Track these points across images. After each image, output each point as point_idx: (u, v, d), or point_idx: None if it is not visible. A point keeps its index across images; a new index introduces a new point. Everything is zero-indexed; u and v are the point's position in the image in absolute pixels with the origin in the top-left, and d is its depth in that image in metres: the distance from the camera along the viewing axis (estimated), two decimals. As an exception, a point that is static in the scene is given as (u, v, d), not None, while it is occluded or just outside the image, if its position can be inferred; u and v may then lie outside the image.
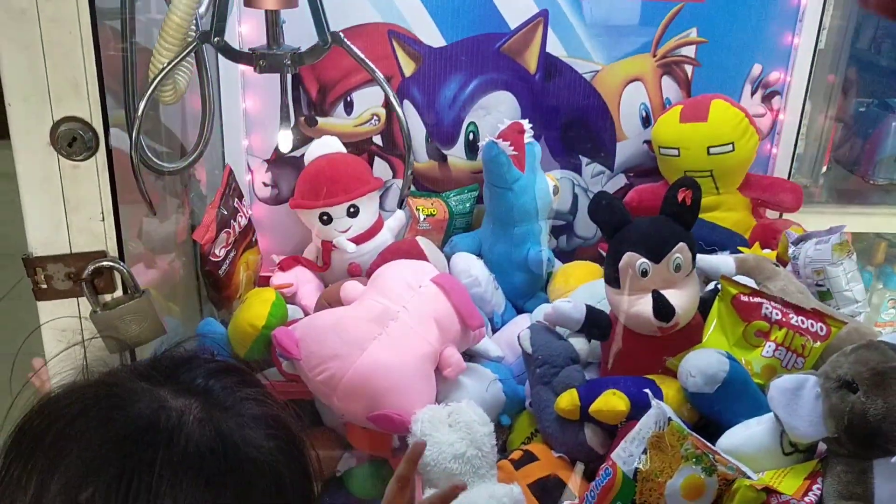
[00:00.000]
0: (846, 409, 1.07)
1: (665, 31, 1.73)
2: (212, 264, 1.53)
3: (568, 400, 1.30)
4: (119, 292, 0.99)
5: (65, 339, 0.98)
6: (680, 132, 1.67)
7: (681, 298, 1.30)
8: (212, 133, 1.50)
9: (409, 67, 1.74)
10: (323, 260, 1.75)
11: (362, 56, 1.31)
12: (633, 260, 1.30)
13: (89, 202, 0.96)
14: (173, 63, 1.18)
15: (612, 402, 1.23)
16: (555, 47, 1.73)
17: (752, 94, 1.78)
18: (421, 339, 1.34)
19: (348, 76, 1.74)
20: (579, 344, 1.41)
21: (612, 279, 1.35)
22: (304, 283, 1.72)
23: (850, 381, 1.08)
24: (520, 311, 1.74)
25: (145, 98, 1.17)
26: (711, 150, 1.65)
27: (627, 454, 1.12)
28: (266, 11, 1.21)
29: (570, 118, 1.79)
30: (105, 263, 0.95)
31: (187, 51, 1.18)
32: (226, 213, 1.56)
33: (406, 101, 1.76)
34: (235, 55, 1.20)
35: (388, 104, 1.76)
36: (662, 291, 1.30)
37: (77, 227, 0.96)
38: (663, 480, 1.08)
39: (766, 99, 1.78)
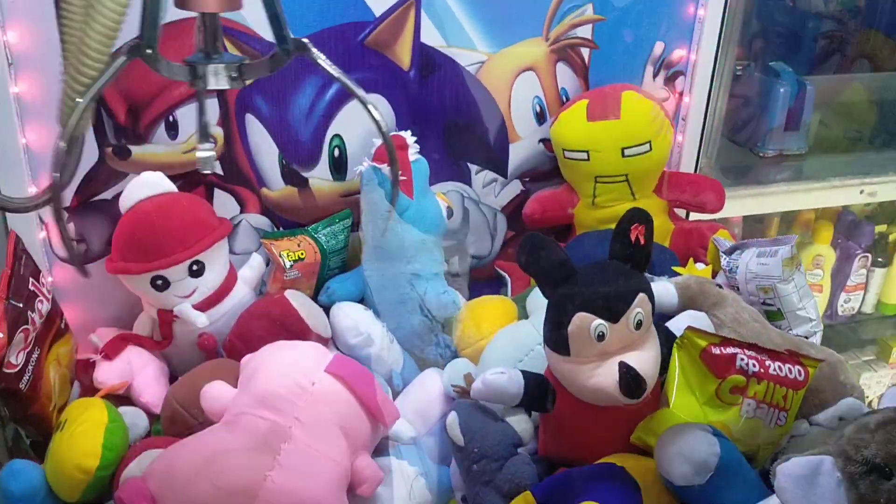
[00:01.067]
0: (881, 499, 0.87)
1: (557, 9, 1.44)
2: (9, 379, 1.10)
3: (523, 507, 1.03)
4: None
5: None
6: (589, 133, 1.41)
7: (646, 363, 1.05)
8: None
9: (248, 74, 1.34)
10: (162, 334, 1.34)
11: (337, 72, 0.89)
12: (586, 322, 1.03)
13: None
14: (103, 84, 0.75)
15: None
16: (431, 36, 1.40)
17: (655, 76, 1.54)
18: (326, 461, 1.00)
19: (167, 89, 1.31)
20: (521, 426, 1.14)
21: (559, 345, 1.07)
22: (139, 369, 1.31)
23: (881, 466, 0.88)
24: (418, 359, 1.43)
25: (69, 129, 0.75)
26: (626, 152, 1.41)
27: None
28: (202, 15, 0.79)
29: (455, 120, 1.48)
30: None
31: (115, 68, 0.75)
32: (18, 304, 1.12)
33: (248, 116, 1.37)
34: (171, 70, 0.78)
35: (224, 121, 1.36)
36: (624, 357, 1.04)
37: None
38: None
39: (669, 81, 1.56)
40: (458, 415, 1.12)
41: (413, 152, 1.34)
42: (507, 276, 1.60)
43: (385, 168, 1.29)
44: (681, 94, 1.57)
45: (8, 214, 1.27)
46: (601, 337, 1.03)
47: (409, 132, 1.35)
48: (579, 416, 1.12)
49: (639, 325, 1.05)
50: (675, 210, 1.55)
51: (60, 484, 1.04)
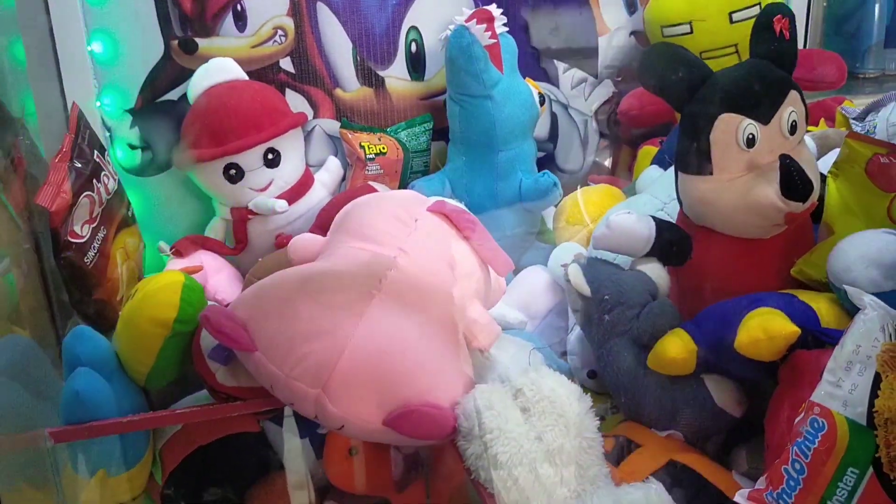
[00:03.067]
0: None
1: None
2: (73, 248, 0.98)
3: (678, 345, 0.86)
4: None
5: None
6: (690, 0, 1.29)
7: (807, 167, 0.89)
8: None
9: (320, -45, 1.26)
10: (236, 237, 1.22)
11: None
12: (732, 125, 0.88)
13: None
14: None
15: (775, 324, 0.78)
16: (511, -86, 1.31)
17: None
18: (439, 288, 0.85)
19: (235, -26, 1.23)
20: (655, 272, 0.96)
21: (698, 163, 0.92)
22: (213, 272, 1.19)
23: None
24: (514, 271, 1.28)
25: None
26: (734, 17, 1.28)
27: (847, 389, 0.68)
28: None
29: (538, 10, 1.36)
30: None
31: None
32: (82, 167, 1.01)
33: (320, 5, 1.28)
34: None
35: (294, 10, 1.27)
36: (779, 165, 0.88)
37: None
38: (923, 417, 0.65)
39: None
40: (581, 265, 0.97)
41: (500, 24, 1.22)
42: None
43: (475, 26, 1.17)
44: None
45: (67, 91, 1.17)
46: (751, 141, 0.88)
47: (493, 5, 1.24)
48: (724, 258, 0.95)
49: (793, 128, 0.90)
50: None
51: (132, 345, 0.90)
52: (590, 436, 0.76)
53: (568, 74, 1.42)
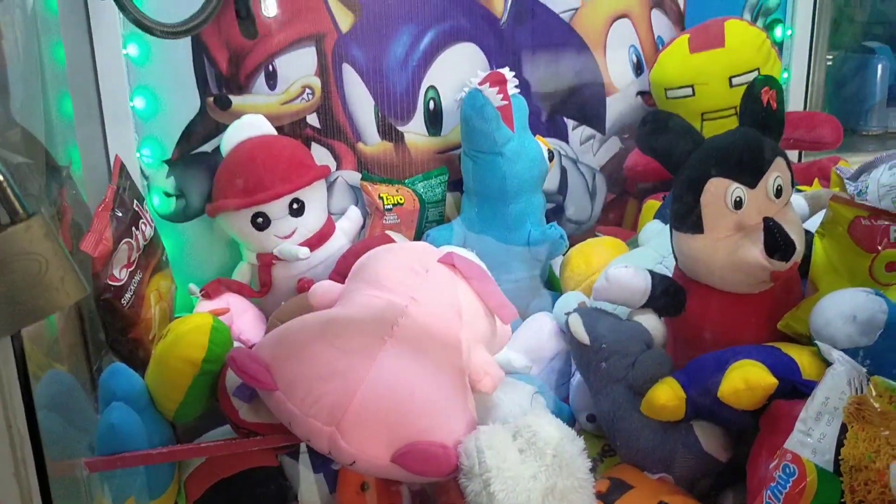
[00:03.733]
0: None
1: (650, -48, 1.44)
2: (111, 291, 1.06)
3: (667, 393, 0.92)
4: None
5: None
6: (692, 65, 1.37)
7: (790, 229, 0.96)
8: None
9: (345, 21, 1.35)
10: (261, 281, 1.30)
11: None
12: (721, 188, 0.95)
13: None
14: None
15: (755, 375, 0.85)
16: (524, -18, 1.41)
17: (753, 23, 1.51)
18: (448, 334, 0.92)
19: (267, 37, 1.33)
20: (650, 323, 1.03)
21: (690, 223, 0.99)
22: (238, 313, 1.27)
23: None
24: (522, 315, 1.35)
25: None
26: (734, 81, 1.35)
27: (816, 438, 0.74)
28: None
29: (549, 70, 1.45)
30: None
31: None
32: (122, 216, 1.11)
33: (345, 66, 1.37)
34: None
35: (321, 71, 1.37)
36: (765, 226, 0.95)
37: None
38: (884, 464, 0.70)
39: (768, 29, 1.52)
40: (580, 315, 1.03)
41: (512, 86, 1.31)
42: (608, 241, 1.52)
43: (488, 90, 1.26)
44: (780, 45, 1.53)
45: (111, 150, 1.27)
46: (738, 203, 0.95)
47: (507, 68, 1.33)
48: (716, 311, 1.02)
49: (779, 192, 0.96)
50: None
51: (164, 382, 0.98)
52: (581, 476, 0.82)
53: (577, 131, 1.50)
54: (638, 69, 1.49)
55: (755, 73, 1.35)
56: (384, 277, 0.97)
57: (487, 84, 1.27)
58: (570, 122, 1.49)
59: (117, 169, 1.16)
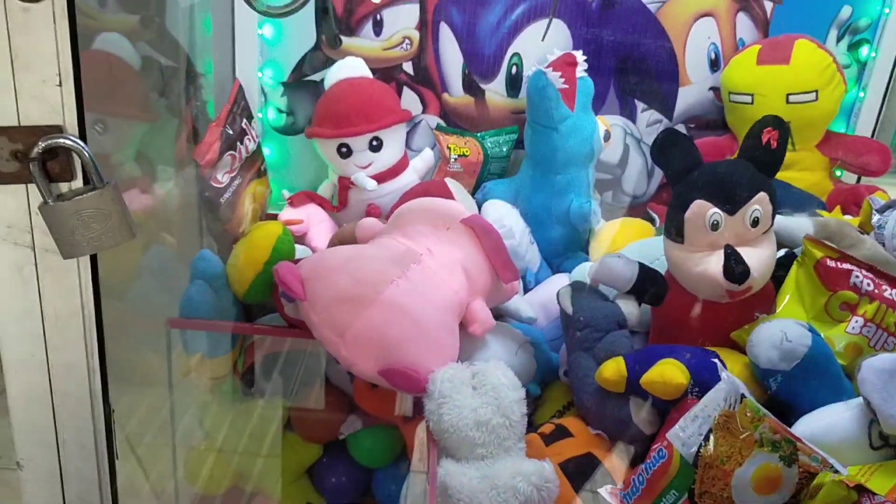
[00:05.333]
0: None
1: (745, -43, 1.51)
2: (213, 191, 1.35)
3: (613, 369, 1.11)
4: (79, 182, 0.79)
5: (10, 237, 0.79)
6: (756, 75, 1.46)
7: (757, 259, 1.10)
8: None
9: (448, -15, 1.53)
10: (339, 199, 1.56)
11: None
12: (703, 210, 1.10)
13: (43, 59, 0.76)
14: None
15: (669, 372, 1.03)
16: (617, -30, 1.52)
17: (839, 40, 1.55)
18: (446, 287, 1.14)
19: (379, -10, 1.53)
20: (627, 308, 1.21)
21: (675, 232, 1.14)
22: (316, 222, 1.53)
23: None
24: (555, 270, 1.54)
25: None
26: (791, 98, 1.44)
27: (687, 435, 0.93)
28: None
29: (629, 55, 1.57)
30: (61, 141, 0.76)
31: None
32: (231, 133, 1.37)
33: (442, 24, 1.56)
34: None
35: (421, 26, 1.56)
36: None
37: (27, 92, 0.76)
38: (731, 468, 0.89)
39: (853, 47, 1.56)
40: (573, 288, 1.22)
41: (581, 70, 1.45)
42: (657, 218, 1.66)
43: (551, 73, 1.42)
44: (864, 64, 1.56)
45: (237, 65, 1.54)
46: (715, 226, 1.10)
47: (580, 52, 1.47)
48: (688, 311, 1.18)
49: (755, 222, 1.10)
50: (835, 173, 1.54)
51: (235, 274, 1.27)
52: (514, 419, 1.04)
53: (646, 114, 1.63)
54: (714, 66, 1.58)
55: (813, 95, 1.42)
56: (411, 227, 1.20)
57: (551, 68, 1.42)
58: (640, 105, 1.62)
59: (235, 91, 1.42)
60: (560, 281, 1.45)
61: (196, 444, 1.36)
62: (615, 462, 1.13)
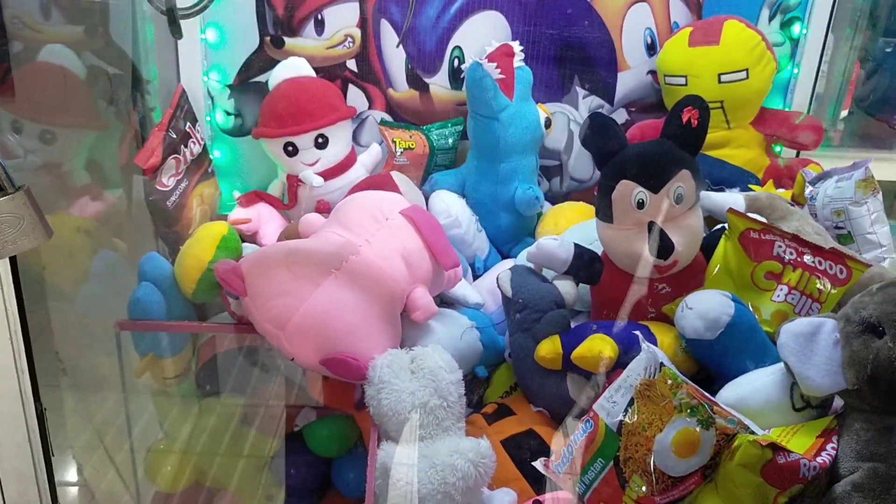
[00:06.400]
0: (870, 356, 0.91)
1: (673, -57, 1.54)
2: (159, 194, 1.37)
3: (549, 347, 1.14)
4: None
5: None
6: (688, 57, 1.49)
7: (682, 234, 1.13)
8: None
9: (386, -18, 1.56)
10: (289, 197, 1.58)
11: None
12: (628, 190, 1.13)
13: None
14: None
15: (597, 346, 1.07)
16: (550, -40, 1.55)
17: (770, 19, 1.59)
18: (385, 277, 1.17)
19: (320, -10, 1.56)
20: (565, 288, 1.24)
21: (605, 213, 1.18)
22: (266, 221, 1.56)
23: (875, 325, 0.92)
24: (505, 256, 1.58)
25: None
26: (723, 78, 1.47)
27: (612, 404, 0.96)
28: None
29: (567, 44, 1.61)
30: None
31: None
32: (174, 136, 1.40)
33: (383, 21, 1.59)
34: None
35: (362, 23, 1.59)
36: (662, 226, 1.13)
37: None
38: (652, 434, 0.92)
39: (785, 25, 1.60)
40: (512, 272, 1.26)
41: (518, 59, 1.48)
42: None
43: (487, 64, 1.45)
44: (796, 41, 1.60)
45: (182, 70, 1.56)
46: (641, 204, 1.13)
47: (517, 42, 1.50)
48: (621, 287, 1.21)
49: (679, 199, 1.13)
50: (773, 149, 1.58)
51: (181, 274, 1.29)
52: (452, 400, 1.07)
53: (587, 100, 1.66)
54: (651, 50, 1.62)
55: (743, 73, 1.46)
56: (350, 219, 1.23)
57: (486, 60, 1.45)
58: (581, 91, 1.65)
59: (177, 95, 1.44)
60: (507, 266, 1.48)
61: (155, 444, 1.38)
62: (559, 438, 1.16)
